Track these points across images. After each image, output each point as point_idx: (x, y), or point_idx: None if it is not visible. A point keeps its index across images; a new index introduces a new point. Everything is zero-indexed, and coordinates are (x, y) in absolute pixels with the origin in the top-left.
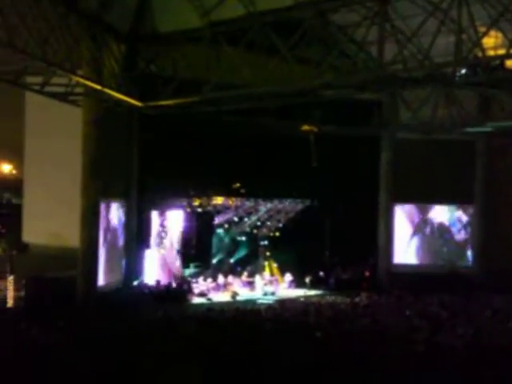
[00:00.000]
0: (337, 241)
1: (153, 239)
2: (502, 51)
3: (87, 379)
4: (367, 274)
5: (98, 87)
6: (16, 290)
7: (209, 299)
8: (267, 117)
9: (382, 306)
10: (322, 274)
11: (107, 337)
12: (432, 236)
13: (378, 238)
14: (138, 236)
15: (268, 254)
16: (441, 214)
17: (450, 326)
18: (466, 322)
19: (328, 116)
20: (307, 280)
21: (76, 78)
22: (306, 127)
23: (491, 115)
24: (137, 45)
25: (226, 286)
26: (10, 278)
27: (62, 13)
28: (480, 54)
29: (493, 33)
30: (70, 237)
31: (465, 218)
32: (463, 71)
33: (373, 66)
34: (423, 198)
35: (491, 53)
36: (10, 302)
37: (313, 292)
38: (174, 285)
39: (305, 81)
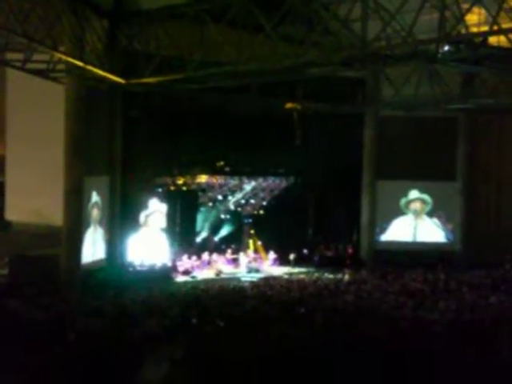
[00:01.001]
0: (320, 218)
1: (137, 217)
2: (485, 28)
3: (72, 357)
4: (350, 251)
5: (80, 64)
6: None
7: (193, 277)
8: (251, 94)
9: (365, 283)
10: (305, 251)
11: (92, 315)
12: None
13: (361, 215)
14: (122, 214)
15: (252, 231)
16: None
17: (433, 302)
18: (448, 297)
19: (312, 93)
20: (291, 257)
21: (58, 55)
22: (289, 105)
23: (474, 92)
24: (119, 21)
25: (210, 263)
26: None
27: None
28: (463, 31)
29: (476, 9)
30: (54, 214)
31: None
32: (446, 48)
33: (356, 44)
34: (406, 174)
35: (474, 29)
36: None
37: (296, 269)
38: (158, 263)
39: (289, 58)
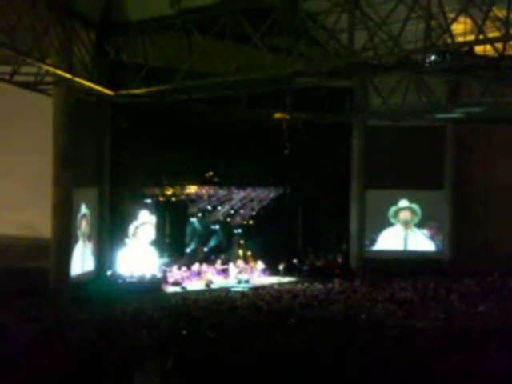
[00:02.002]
0: (310, 227)
1: (126, 229)
2: (471, 37)
3: (62, 369)
4: (340, 260)
5: (68, 76)
6: None
7: (183, 288)
8: (240, 105)
9: (355, 292)
10: (295, 261)
11: (81, 328)
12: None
13: (350, 224)
14: (111, 226)
15: (242, 241)
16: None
17: (422, 310)
18: (437, 306)
19: (300, 103)
20: (281, 267)
21: (45, 67)
22: (278, 115)
23: (460, 101)
24: (107, 33)
25: (200, 274)
26: None
27: (30, 0)
28: (449, 41)
29: (462, 19)
30: (42, 227)
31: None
32: (433, 57)
33: (343, 53)
34: (395, 184)
35: (460, 39)
36: None
37: (286, 279)
38: (147, 275)
39: (276, 69)
